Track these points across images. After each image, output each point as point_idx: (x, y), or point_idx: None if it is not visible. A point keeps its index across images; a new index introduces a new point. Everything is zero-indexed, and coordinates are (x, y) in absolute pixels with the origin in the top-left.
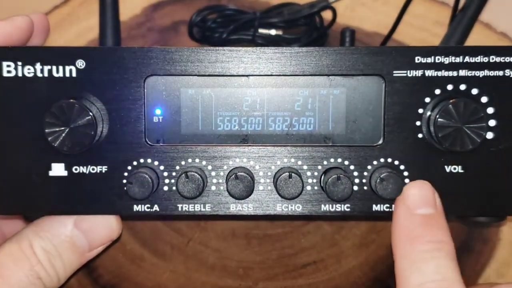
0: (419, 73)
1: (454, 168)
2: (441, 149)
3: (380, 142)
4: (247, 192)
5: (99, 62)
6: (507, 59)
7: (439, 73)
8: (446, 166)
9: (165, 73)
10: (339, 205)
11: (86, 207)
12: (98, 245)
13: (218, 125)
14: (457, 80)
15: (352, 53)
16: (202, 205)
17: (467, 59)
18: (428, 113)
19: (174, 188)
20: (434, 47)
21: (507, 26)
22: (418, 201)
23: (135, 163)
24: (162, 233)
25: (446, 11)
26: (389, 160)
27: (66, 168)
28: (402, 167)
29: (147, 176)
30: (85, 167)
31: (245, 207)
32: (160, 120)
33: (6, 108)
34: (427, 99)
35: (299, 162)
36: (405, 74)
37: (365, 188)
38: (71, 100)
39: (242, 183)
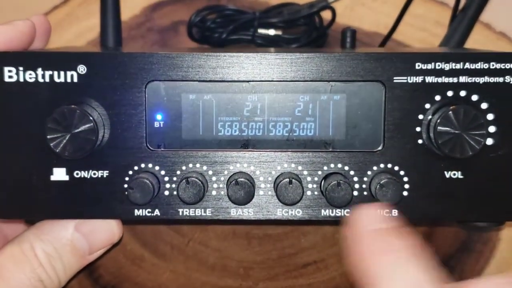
0: (419, 79)
1: (454, 174)
2: (441, 155)
3: (380, 147)
4: (248, 197)
5: (100, 68)
6: (507, 66)
7: (439, 79)
8: (445, 172)
9: (166, 79)
10: (339, 210)
11: (87, 212)
12: (98, 248)
13: (219, 130)
14: (457, 87)
15: (352, 59)
16: (202, 210)
17: (467, 65)
18: (428, 119)
19: (175, 193)
20: (435, 53)
21: (506, 26)
22: (365, 220)
23: (136, 167)
24: (162, 233)
25: (446, 11)
26: (389, 165)
27: (67, 173)
28: (402, 172)
29: (148, 182)
30: (86, 171)
31: (246, 212)
32: (161, 125)
33: (7, 113)
34: (427, 105)
35: (300, 167)
36: (405, 80)
37: (365, 193)
38: (73, 106)
39: (243, 189)
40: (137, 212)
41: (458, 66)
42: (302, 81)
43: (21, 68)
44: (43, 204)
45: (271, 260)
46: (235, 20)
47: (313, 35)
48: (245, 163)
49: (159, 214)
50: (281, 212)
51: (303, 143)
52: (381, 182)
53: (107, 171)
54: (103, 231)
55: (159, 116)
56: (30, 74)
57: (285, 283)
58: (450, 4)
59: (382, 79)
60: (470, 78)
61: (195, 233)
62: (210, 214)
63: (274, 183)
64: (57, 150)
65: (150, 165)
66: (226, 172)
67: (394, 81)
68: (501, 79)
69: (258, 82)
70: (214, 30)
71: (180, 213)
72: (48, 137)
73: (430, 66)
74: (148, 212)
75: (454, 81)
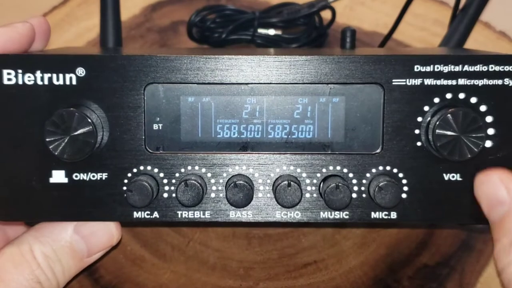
0: (418, 81)
1: (453, 176)
2: (439, 157)
3: (379, 150)
4: (247, 200)
5: (99, 70)
6: (506, 68)
7: (438, 82)
8: (444, 174)
9: (165, 81)
10: (338, 212)
11: (86, 214)
12: (97, 251)
13: (218, 132)
14: (456, 89)
15: (351, 62)
16: (201, 212)
17: (466, 67)
18: (427, 121)
19: (174, 195)
20: (433, 55)
21: (506, 25)
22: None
23: (135, 170)
24: (162, 234)
25: (446, 11)
26: (388, 168)
27: (66, 175)
28: (400, 174)
29: (146, 184)
30: (85, 174)
31: (245, 214)
32: (160, 128)
33: (6, 116)
34: (426, 108)
35: (298, 170)
36: (404, 83)
37: (364, 196)
38: (71, 109)
39: (242, 192)
40: (136, 215)
41: (457, 68)
42: (301, 83)
43: (20, 71)
44: (42, 206)
45: (271, 260)
46: (234, 20)
47: (313, 35)
48: (244, 166)
49: (158, 216)
50: (279, 215)
51: (302, 146)
52: (380, 185)
53: (106, 174)
54: (102, 234)
55: (158, 119)
56: (29, 77)
57: (285, 283)
58: (450, 4)
59: (381, 82)
60: (469, 81)
61: (195, 233)
62: (209, 217)
63: (273, 186)
64: (56, 153)
65: (149, 168)
66: (225, 175)
67: (393, 83)
68: (500, 82)
69: (257, 85)
70: (214, 30)
71: (179, 216)
72: (47, 139)
73: (429, 69)
74: (147, 214)
75: (453, 84)
